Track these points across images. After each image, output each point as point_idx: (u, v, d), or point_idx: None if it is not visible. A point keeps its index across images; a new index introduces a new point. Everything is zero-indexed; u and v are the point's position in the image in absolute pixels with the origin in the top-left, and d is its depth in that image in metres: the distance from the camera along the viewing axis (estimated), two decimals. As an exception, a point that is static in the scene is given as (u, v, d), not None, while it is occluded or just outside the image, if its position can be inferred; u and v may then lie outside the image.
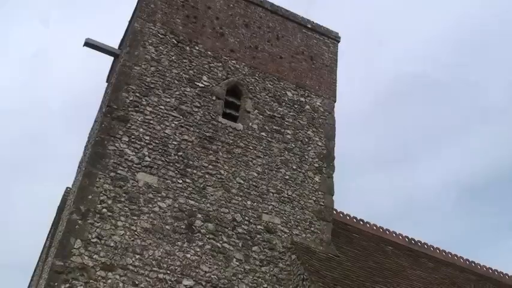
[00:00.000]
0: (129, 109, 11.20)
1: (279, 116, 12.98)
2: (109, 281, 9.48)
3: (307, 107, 13.54)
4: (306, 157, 12.80)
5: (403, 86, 47.34)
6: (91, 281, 9.35)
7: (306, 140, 13.04)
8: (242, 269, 10.73)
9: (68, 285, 9.15)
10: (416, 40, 46.39)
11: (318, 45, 14.65)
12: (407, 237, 15.48)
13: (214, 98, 12.32)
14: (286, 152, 12.59)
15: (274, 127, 12.75)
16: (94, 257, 9.58)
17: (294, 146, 12.78)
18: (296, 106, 13.37)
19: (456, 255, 15.99)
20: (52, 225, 14.26)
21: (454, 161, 44.76)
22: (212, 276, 10.38)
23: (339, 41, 15.07)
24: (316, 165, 12.83)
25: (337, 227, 13.30)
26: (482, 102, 47.02)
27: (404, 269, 13.22)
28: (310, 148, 12.97)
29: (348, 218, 14.76)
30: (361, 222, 14.94)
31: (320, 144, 13.18)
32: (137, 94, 11.43)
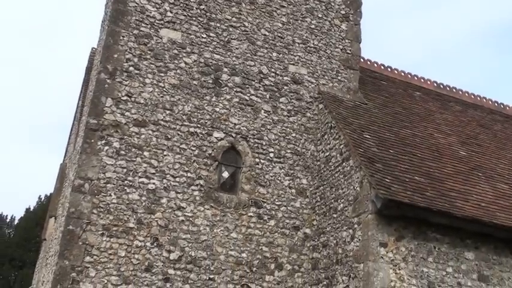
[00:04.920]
0: (146, -38, 10.75)
1: (303, -39, 12.31)
2: (142, 136, 9.84)
3: (332, -51, 12.75)
4: (332, 4, 12.35)
5: None
6: (125, 136, 9.71)
7: (332, -15, 12.47)
8: (270, 120, 10.95)
9: (104, 141, 9.54)
10: None
11: None
12: (435, 82, 15.39)
13: None
14: (311, 0, 12.15)
15: (298, -26, 12.17)
16: (126, 114, 9.84)
17: (318, -7, 12.27)
18: (320, -51, 12.60)
19: (485, 98, 15.96)
20: (82, 85, 14.53)
21: (485, 4, 42.72)
22: (242, 128, 10.64)
23: None
24: (343, 12, 12.42)
25: (365, 75, 13.23)
26: None
27: (432, 113, 13.31)
28: (335, -6, 12.45)
29: (375, 65, 14.62)
30: (389, 69, 14.81)
31: (346, -11, 12.61)
32: None
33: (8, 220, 37.23)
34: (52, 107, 69.49)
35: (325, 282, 9.57)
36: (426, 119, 12.73)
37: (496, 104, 16.02)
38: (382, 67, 14.72)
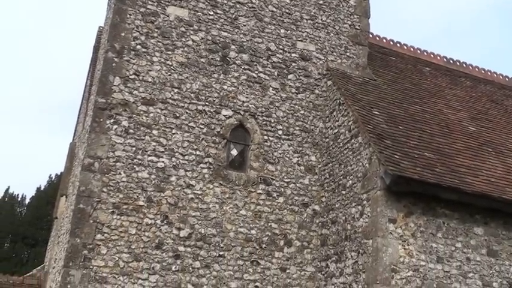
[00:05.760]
0: None
1: None
2: (151, 114, 9.84)
3: None
4: (340, -21, 12.19)
5: None
6: (134, 115, 9.71)
7: (340, -40, 12.29)
8: (279, 97, 10.91)
9: (112, 120, 9.56)
10: None
11: None
12: (445, 57, 15.24)
13: None
14: (319, -25, 12.00)
15: None
16: (134, 92, 9.84)
17: (326, -33, 12.10)
18: None
19: (495, 73, 15.81)
20: (90, 65, 14.51)
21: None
22: (250, 105, 10.62)
23: None
24: (351, -13, 12.26)
25: (374, 51, 13.12)
26: None
27: (442, 89, 13.21)
28: (344, -31, 12.27)
29: (384, 41, 14.49)
30: (398, 45, 14.68)
31: (355, -37, 12.43)
32: None
33: (19, 199, 37.61)
34: (60, 87, 69.67)
35: (334, 258, 9.63)
36: (436, 94, 12.64)
37: (507, 79, 15.87)
38: (391, 43, 14.60)
